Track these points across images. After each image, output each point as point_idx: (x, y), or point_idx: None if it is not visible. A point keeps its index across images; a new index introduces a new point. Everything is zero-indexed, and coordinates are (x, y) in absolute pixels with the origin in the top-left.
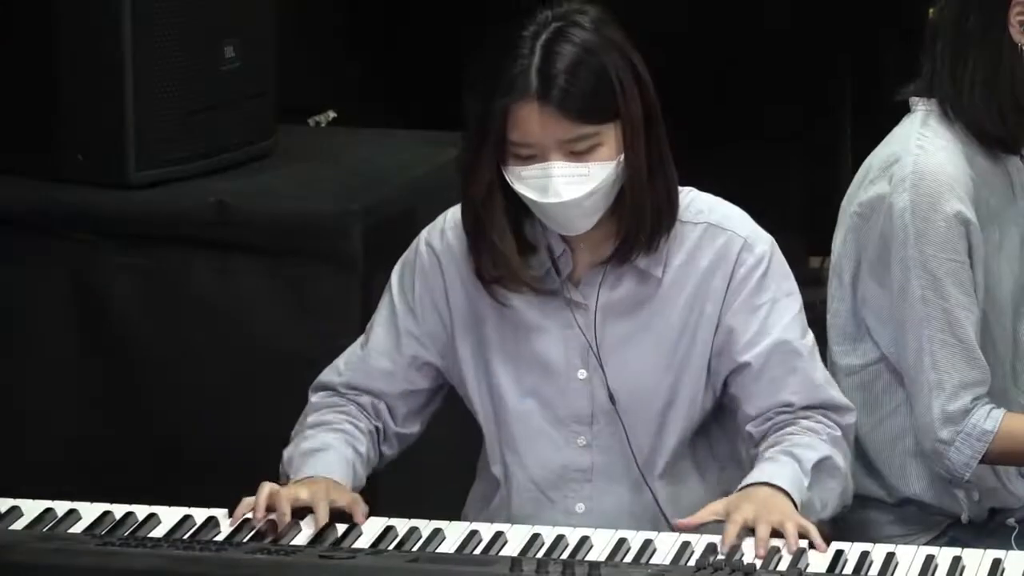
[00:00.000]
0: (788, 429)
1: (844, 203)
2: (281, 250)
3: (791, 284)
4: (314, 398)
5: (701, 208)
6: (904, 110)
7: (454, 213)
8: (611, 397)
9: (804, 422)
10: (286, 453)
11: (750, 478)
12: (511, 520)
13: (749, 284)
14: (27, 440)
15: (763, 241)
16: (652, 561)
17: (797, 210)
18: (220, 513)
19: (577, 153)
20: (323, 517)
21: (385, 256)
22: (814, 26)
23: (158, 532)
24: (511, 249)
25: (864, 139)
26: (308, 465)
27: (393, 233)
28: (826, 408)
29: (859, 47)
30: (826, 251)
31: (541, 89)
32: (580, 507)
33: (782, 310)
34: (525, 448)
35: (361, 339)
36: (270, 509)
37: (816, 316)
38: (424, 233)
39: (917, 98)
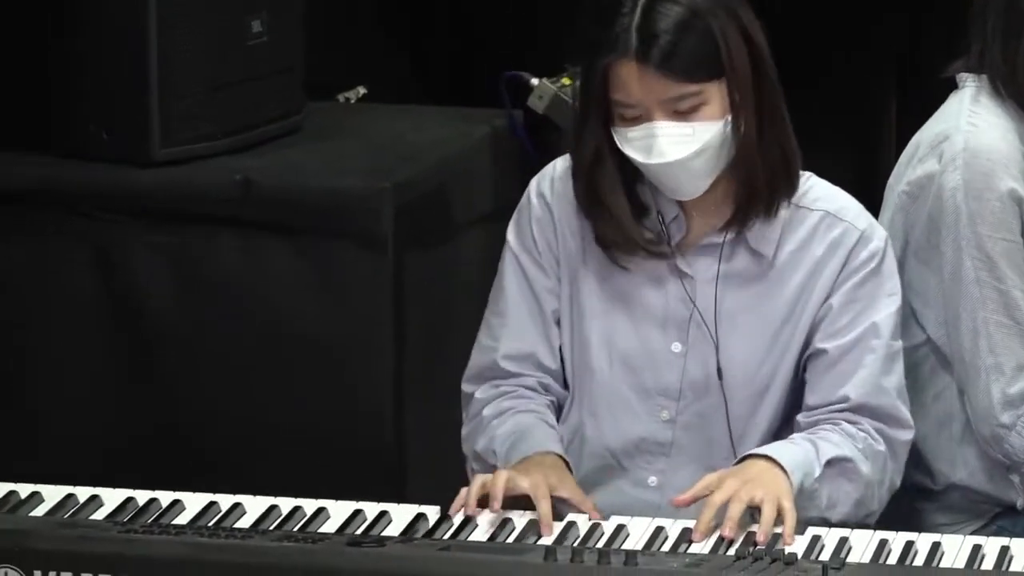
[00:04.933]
0: (825, 426)
1: (891, 181)
2: (309, 230)
3: (895, 284)
4: (478, 392)
5: (819, 195)
6: (947, 87)
7: (563, 162)
8: (719, 371)
9: (846, 425)
10: (478, 447)
11: (754, 449)
12: (578, 482)
13: (857, 276)
14: (48, 421)
15: (879, 237)
16: (691, 550)
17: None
18: (246, 499)
19: (681, 112)
20: (547, 515)
21: (416, 235)
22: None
23: (182, 519)
24: (625, 213)
25: (908, 116)
26: (518, 449)
27: (425, 212)
28: (881, 417)
29: (901, 23)
30: None
31: (640, 48)
32: (653, 480)
33: (879, 308)
34: (605, 413)
35: (492, 309)
36: (484, 501)
37: None
38: (534, 183)
39: (966, 74)
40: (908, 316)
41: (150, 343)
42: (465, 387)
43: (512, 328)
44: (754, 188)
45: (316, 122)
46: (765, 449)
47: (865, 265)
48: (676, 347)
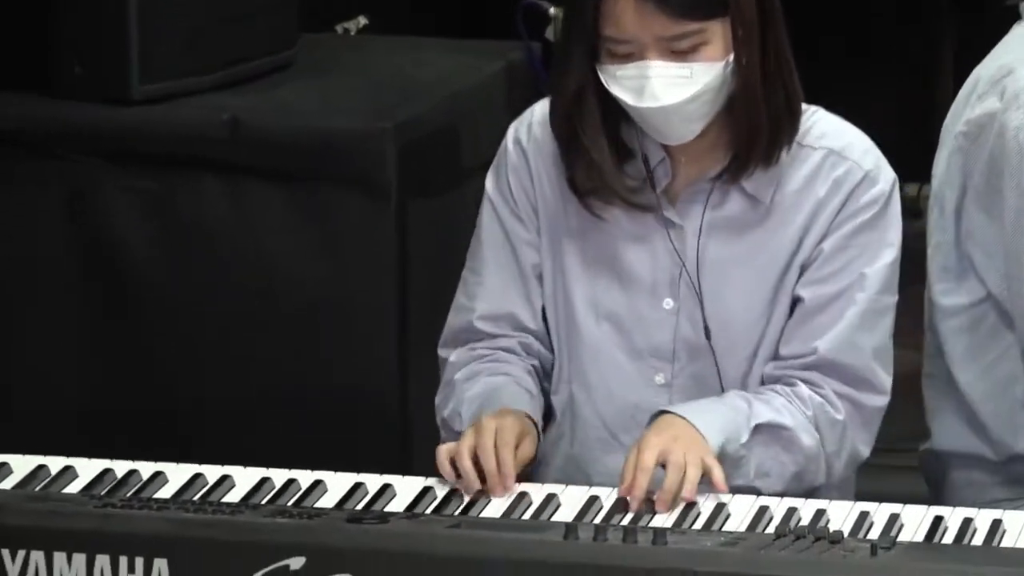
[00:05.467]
0: (776, 387)
1: (948, 122)
2: (303, 175)
3: (896, 234)
4: (452, 356)
5: (824, 131)
6: (1010, 17)
7: (543, 107)
8: (706, 331)
9: (801, 388)
10: (445, 413)
11: (674, 407)
12: (571, 457)
13: (855, 221)
14: (16, 384)
15: (885, 179)
16: (725, 528)
17: (888, 130)
18: (235, 471)
19: (679, 52)
20: (507, 465)
21: (422, 181)
22: None
23: (165, 492)
24: (605, 158)
25: (966, 49)
26: (483, 412)
27: (431, 155)
28: (849, 379)
29: None
30: (922, 177)
31: None
32: None
33: (872, 259)
34: (595, 380)
35: (469, 265)
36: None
37: (910, 251)
38: (511, 129)
39: None
40: (967, 269)
41: (128, 300)
42: (441, 352)
43: (489, 286)
44: (755, 135)
45: (311, 56)
46: (683, 410)
47: (866, 210)
48: (668, 304)
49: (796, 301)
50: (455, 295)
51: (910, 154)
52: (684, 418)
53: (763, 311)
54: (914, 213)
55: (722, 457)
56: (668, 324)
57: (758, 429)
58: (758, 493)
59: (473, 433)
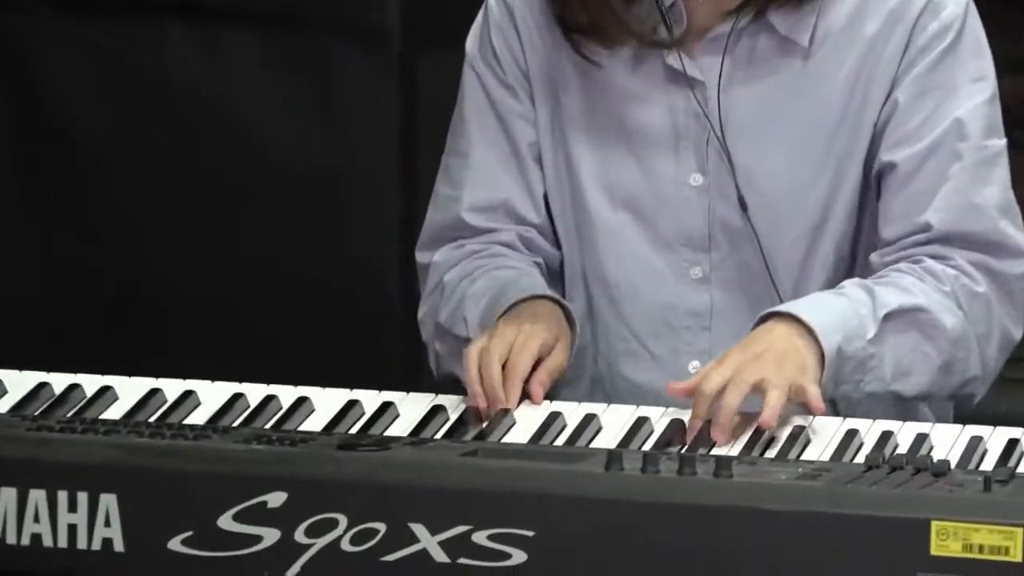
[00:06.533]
0: (900, 266)
1: None
2: (288, 22)
3: (984, 65)
4: (436, 256)
5: None
6: None
7: None
8: (741, 201)
9: (930, 263)
10: (441, 318)
11: (779, 306)
12: (595, 378)
13: (927, 58)
14: None
15: (954, 1)
16: (804, 456)
17: None
18: (200, 385)
19: None
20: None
21: (431, 31)
22: None
23: (114, 412)
24: None
25: None
26: (498, 303)
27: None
28: (979, 245)
29: None
30: None
31: None
32: (695, 365)
33: (962, 98)
34: (617, 278)
35: (451, 148)
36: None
37: None
38: None
39: None
40: None
41: (79, 174)
42: (419, 256)
43: (478, 170)
44: None
45: None
46: (789, 306)
47: (936, 42)
48: (696, 180)
49: (885, 170)
50: (435, 187)
51: None
52: (791, 315)
53: (812, 178)
54: None
55: (844, 361)
56: (699, 205)
57: (888, 318)
58: (900, 398)
59: (501, 335)
